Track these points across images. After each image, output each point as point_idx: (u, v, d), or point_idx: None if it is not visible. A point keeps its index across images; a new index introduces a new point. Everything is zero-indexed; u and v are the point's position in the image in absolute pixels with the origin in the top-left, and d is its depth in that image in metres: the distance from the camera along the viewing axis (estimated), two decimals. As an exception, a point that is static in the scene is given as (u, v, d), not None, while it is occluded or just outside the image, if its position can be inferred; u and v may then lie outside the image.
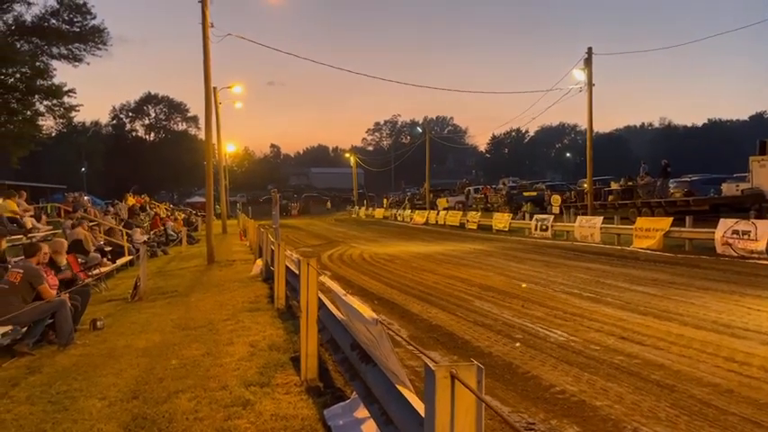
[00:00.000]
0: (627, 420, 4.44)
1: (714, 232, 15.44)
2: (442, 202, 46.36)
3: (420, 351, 2.86)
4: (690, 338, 6.71)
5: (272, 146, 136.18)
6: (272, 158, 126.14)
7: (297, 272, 6.70)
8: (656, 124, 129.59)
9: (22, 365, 6.55)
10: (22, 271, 7.43)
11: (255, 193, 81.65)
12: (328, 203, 71.70)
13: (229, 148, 54.70)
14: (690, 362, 5.83)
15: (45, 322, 7.38)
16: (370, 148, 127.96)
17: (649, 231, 17.75)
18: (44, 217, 17.79)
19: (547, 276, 12.18)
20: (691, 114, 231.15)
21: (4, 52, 34.37)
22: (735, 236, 14.77)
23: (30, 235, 14.15)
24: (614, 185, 30.01)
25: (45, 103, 38.58)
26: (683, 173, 32.23)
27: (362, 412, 4.14)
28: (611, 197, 28.81)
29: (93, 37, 41.60)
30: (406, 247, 20.74)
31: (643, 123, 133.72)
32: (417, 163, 64.22)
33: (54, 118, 41.36)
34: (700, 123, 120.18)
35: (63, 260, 9.15)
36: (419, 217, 40.09)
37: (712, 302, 8.80)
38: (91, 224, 16.75)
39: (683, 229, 16.92)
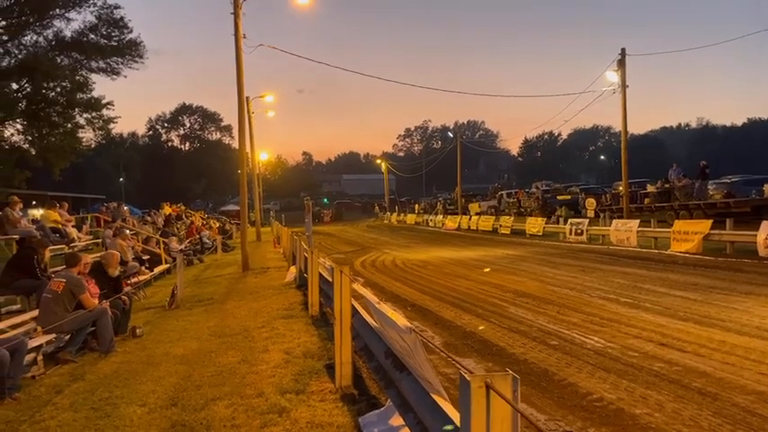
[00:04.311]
0: (668, 429, 4.34)
1: (756, 235, 15.00)
2: (474, 206, 46.02)
3: (454, 360, 2.85)
4: (733, 345, 6.54)
5: (304, 153, 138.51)
6: (304, 166, 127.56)
7: (330, 279, 6.74)
8: (694, 125, 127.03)
9: (66, 373, 6.74)
10: (64, 280, 7.67)
11: (289, 201, 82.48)
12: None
13: (262, 156, 55.46)
14: (733, 369, 5.68)
15: (87, 330, 7.60)
16: (401, 153, 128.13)
17: (688, 234, 17.34)
18: (84, 227, 18.25)
19: (582, 282, 12.01)
20: (730, 114, 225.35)
21: (46, 67, 35.52)
22: (778, 238, 14.32)
23: (72, 245, 14.53)
24: (651, 188, 29.40)
25: (85, 115, 39.69)
26: (723, 174, 31.37)
27: (397, 420, 4.14)
28: (647, 200, 28.23)
29: (130, 50, 42.57)
30: (439, 253, 20.68)
31: (680, 124, 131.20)
32: (449, 168, 64.05)
33: (93, 130, 42.48)
34: (739, 123, 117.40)
35: (115, 272, 9.43)
36: (451, 222, 39.91)
37: (756, 307, 8.55)
38: (130, 233, 17.14)
39: (723, 231, 16.48)
